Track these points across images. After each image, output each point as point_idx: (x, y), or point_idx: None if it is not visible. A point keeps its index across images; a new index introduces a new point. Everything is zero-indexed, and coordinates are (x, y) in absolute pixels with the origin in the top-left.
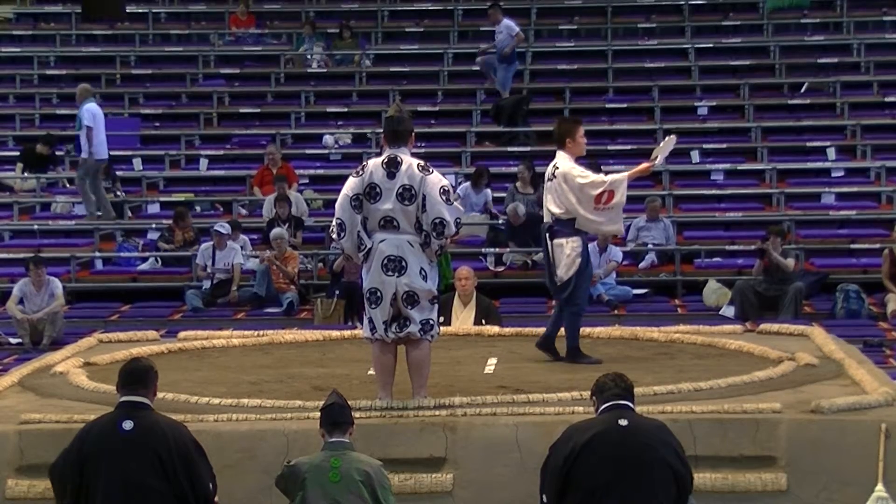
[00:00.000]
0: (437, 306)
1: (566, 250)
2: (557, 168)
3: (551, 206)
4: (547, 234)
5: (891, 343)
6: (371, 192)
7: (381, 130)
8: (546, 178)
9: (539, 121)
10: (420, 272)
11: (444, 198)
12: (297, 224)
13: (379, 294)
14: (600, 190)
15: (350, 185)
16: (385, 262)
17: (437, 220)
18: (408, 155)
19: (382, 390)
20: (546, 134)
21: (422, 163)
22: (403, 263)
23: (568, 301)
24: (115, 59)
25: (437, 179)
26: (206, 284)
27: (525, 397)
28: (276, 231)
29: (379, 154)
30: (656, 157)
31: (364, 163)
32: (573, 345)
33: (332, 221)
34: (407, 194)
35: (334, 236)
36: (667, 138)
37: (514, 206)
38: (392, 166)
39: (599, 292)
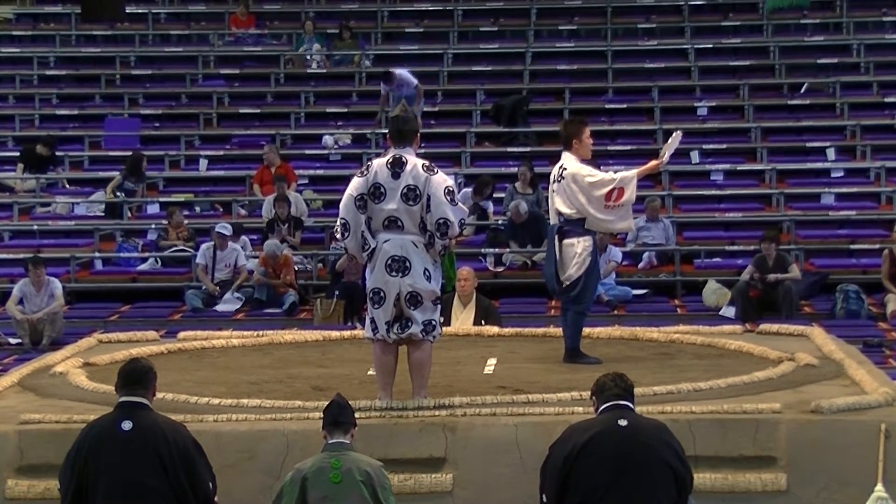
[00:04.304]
0: (439, 307)
1: (577, 249)
2: (565, 169)
3: (561, 207)
4: (556, 236)
5: (890, 343)
6: (375, 192)
7: (381, 131)
8: (552, 180)
9: (539, 121)
10: (424, 273)
11: (448, 198)
12: (297, 224)
13: (382, 294)
14: (610, 188)
15: (354, 185)
16: (389, 262)
17: (441, 221)
18: (413, 155)
19: (382, 391)
20: (546, 134)
21: (427, 163)
22: (407, 264)
23: (575, 301)
24: (115, 60)
25: (442, 180)
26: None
27: (525, 397)
28: (268, 246)
29: (379, 154)
30: (664, 155)
31: (369, 162)
32: (574, 345)
33: (332, 221)
34: (411, 194)
35: (338, 236)
36: (673, 134)
37: (515, 204)
38: (397, 166)
39: (599, 292)
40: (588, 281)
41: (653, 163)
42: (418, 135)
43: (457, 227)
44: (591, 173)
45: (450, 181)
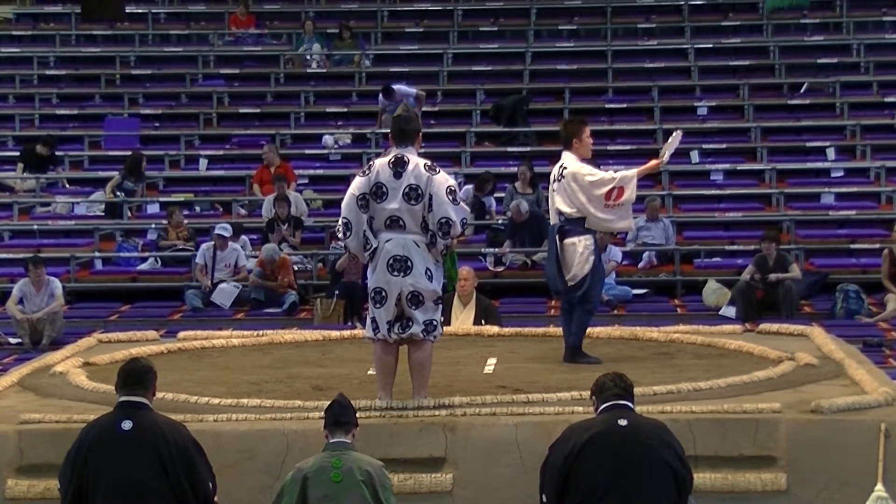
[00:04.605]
0: (441, 306)
1: (579, 248)
2: (565, 168)
3: (561, 206)
4: (557, 235)
5: (890, 343)
6: (377, 192)
7: (381, 131)
8: (552, 179)
9: (539, 121)
10: (426, 272)
11: (450, 198)
12: (297, 224)
13: (384, 294)
14: (610, 187)
15: (356, 185)
16: (391, 261)
17: (443, 220)
18: (415, 154)
19: (382, 390)
20: (546, 134)
21: (428, 162)
22: (409, 263)
23: (581, 300)
24: (115, 59)
25: (444, 179)
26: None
27: (525, 397)
28: (265, 250)
29: (379, 154)
30: (664, 155)
31: (371, 162)
32: (577, 343)
33: (332, 221)
34: (413, 194)
35: (340, 235)
36: (673, 134)
37: (517, 204)
38: (399, 166)
39: None
40: (594, 279)
41: (653, 162)
42: (420, 134)
43: (459, 227)
44: (591, 172)
45: (451, 181)
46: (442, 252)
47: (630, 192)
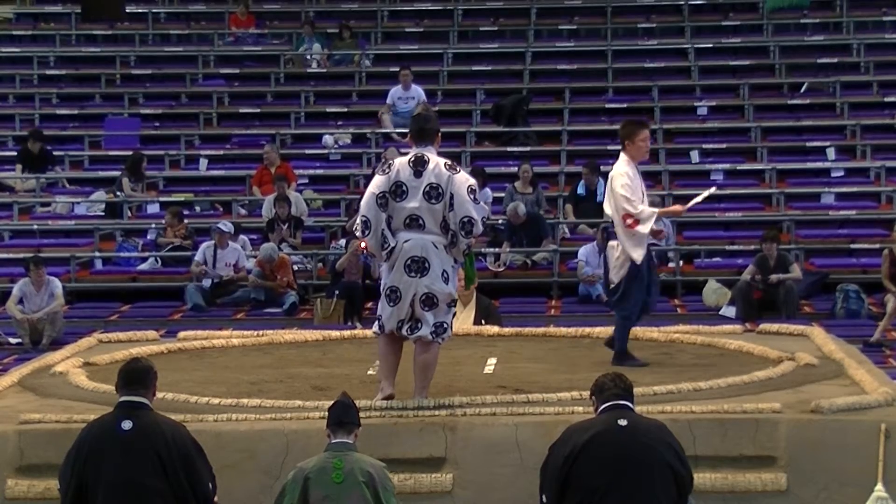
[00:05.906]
0: (453, 309)
1: (616, 252)
2: (613, 170)
3: (606, 208)
4: (606, 235)
5: (891, 343)
6: (397, 191)
7: (381, 131)
8: (609, 177)
9: (539, 121)
10: (442, 274)
11: (471, 196)
12: (297, 224)
13: (399, 294)
14: (629, 212)
15: (376, 183)
16: (408, 262)
17: (466, 219)
18: (434, 154)
19: (385, 380)
20: (546, 134)
21: (449, 161)
22: (426, 265)
23: (618, 304)
24: (115, 59)
25: (465, 178)
26: (207, 284)
27: (525, 397)
28: (264, 249)
29: (379, 154)
30: (690, 203)
31: (390, 161)
32: (621, 348)
33: (333, 221)
34: (434, 193)
35: (359, 234)
36: (711, 189)
37: (514, 206)
38: (419, 165)
39: (599, 292)
40: (630, 286)
41: (675, 207)
42: (439, 134)
43: (481, 226)
44: (624, 184)
45: (472, 180)
46: (464, 252)
47: (644, 228)
